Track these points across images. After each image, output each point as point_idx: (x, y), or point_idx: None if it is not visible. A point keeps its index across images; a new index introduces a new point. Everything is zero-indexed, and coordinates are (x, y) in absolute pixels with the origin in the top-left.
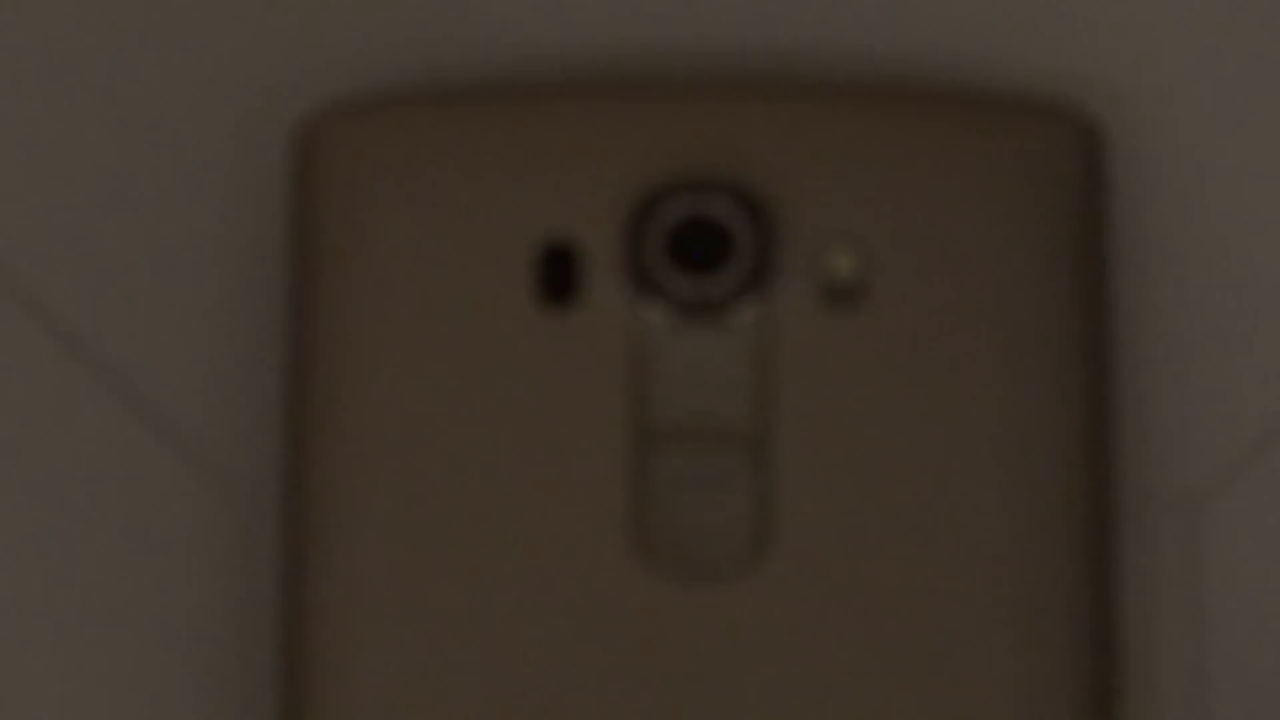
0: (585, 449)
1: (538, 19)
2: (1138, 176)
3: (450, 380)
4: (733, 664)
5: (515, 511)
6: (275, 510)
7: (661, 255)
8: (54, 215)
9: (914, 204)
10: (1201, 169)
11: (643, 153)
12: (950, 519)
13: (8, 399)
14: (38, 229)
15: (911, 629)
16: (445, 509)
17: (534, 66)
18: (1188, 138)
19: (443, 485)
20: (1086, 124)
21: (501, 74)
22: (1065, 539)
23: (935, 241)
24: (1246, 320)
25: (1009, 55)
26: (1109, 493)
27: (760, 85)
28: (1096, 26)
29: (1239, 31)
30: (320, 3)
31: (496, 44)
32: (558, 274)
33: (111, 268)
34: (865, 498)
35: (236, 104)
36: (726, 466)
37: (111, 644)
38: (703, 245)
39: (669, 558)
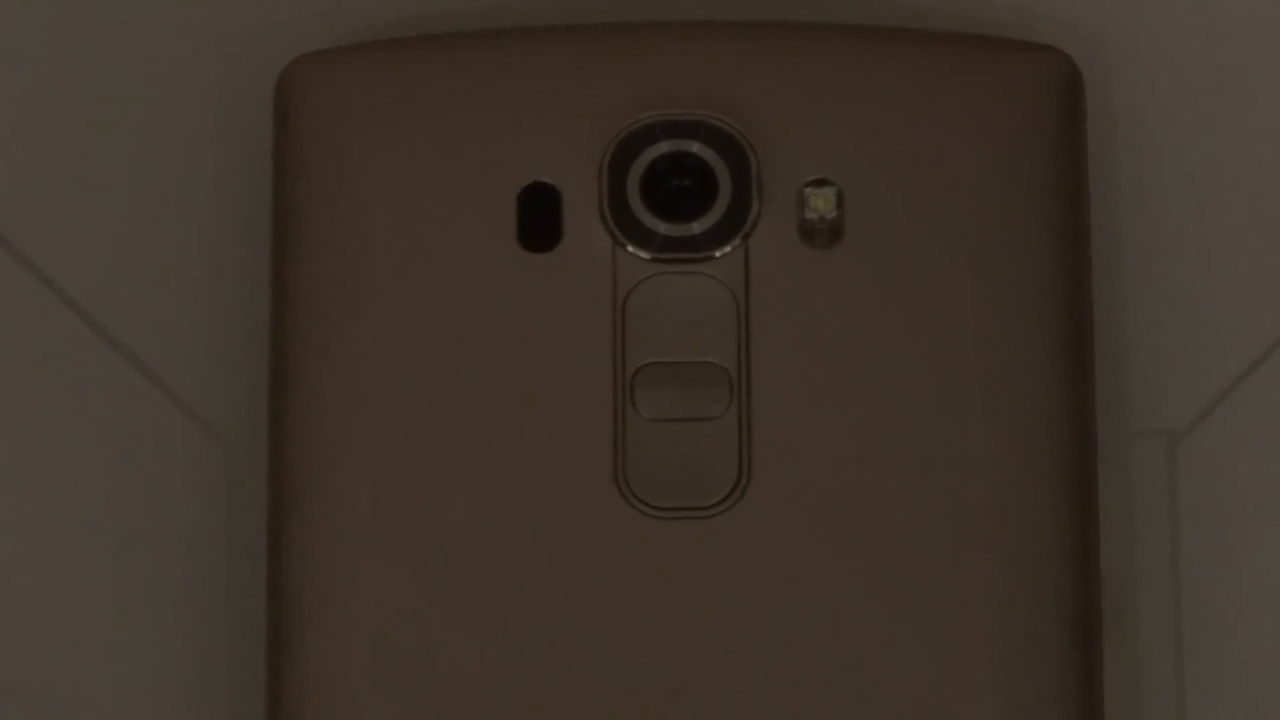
0: (569, 388)
1: None
2: (1113, 117)
3: (433, 323)
4: (715, 596)
5: (501, 449)
6: (262, 450)
7: (641, 195)
8: (42, 167)
9: (892, 140)
10: (1177, 110)
11: (621, 94)
12: (931, 453)
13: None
14: (25, 178)
15: (893, 560)
16: (429, 450)
17: (519, 12)
18: (1165, 78)
19: (427, 426)
20: (1063, 62)
21: (483, 20)
22: (1045, 469)
23: (914, 177)
24: (1221, 260)
25: None
26: (1088, 424)
27: (736, 25)
28: None
29: None
30: None
31: None
32: (539, 216)
33: (100, 219)
34: (846, 432)
35: (224, 52)
36: (707, 402)
37: (104, 584)
38: (682, 185)
39: (651, 493)
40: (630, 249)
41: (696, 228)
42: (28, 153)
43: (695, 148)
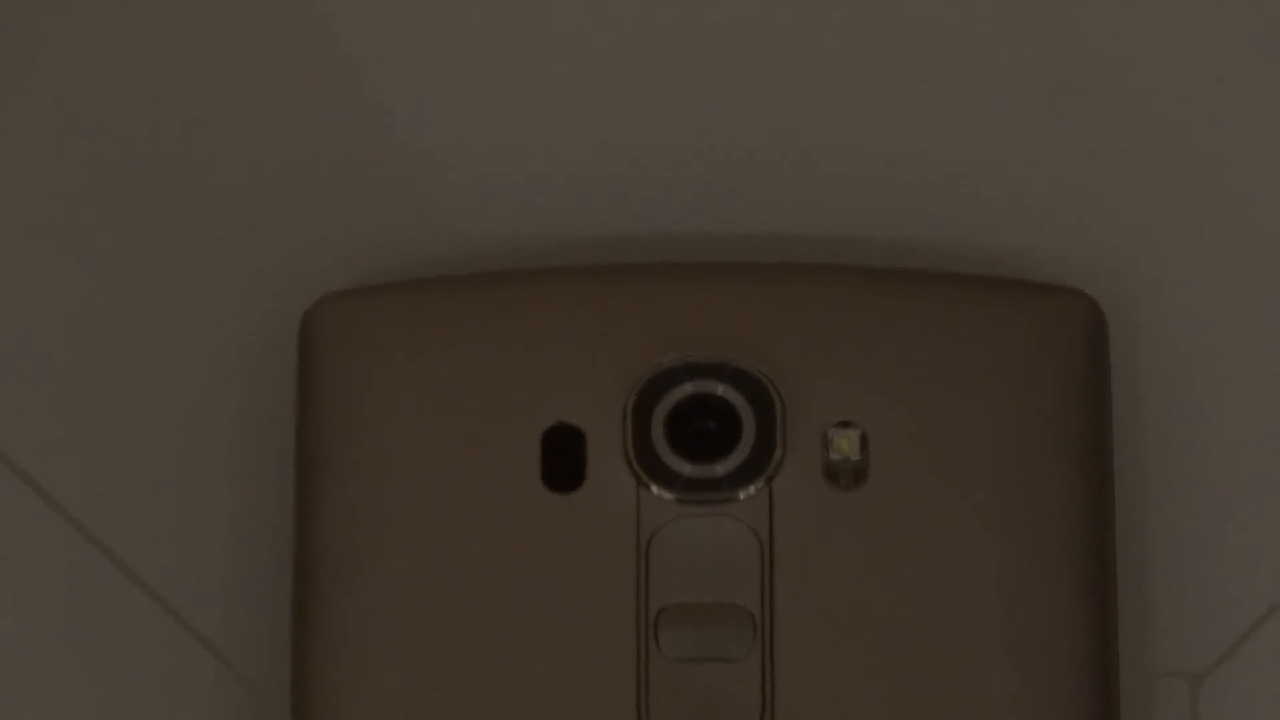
0: (593, 627)
1: (543, 213)
2: (1137, 360)
3: (457, 562)
4: None
5: (525, 689)
6: (288, 695)
7: (665, 437)
8: (67, 406)
9: (916, 383)
10: (1201, 354)
11: (645, 335)
12: (953, 696)
13: (28, 589)
14: (50, 417)
15: None
16: (453, 691)
17: (539, 256)
18: (1191, 323)
19: (451, 667)
20: (1086, 305)
21: (505, 261)
22: (1068, 711)
23: (938, 419)
24: (1243, 502)
25: (1012, 243)
26: (1110, 665)
27: (759, 266)
28: (1097, 217)
29: (1229, 225)
30: (329, 200)
31: (500, 237)
32: (563, 456)
33: (125, 457)
34: (868, 675)
35: (248, 291)
36: (730, 644)
37: None
38: (706, 427)
39: None
40: (654, 490)
41: (720, 469)
42: (54, 392)
43: (720, 389)
